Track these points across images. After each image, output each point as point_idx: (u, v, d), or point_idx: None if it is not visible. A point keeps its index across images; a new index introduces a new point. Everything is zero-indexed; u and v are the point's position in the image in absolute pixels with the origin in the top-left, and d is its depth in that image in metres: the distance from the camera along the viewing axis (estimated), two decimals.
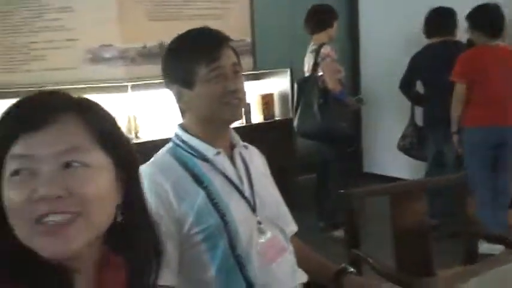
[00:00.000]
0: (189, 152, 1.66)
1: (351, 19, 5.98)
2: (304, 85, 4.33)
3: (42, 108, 0.88)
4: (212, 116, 1.63)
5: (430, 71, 4.17)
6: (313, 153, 4.67)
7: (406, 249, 2.30)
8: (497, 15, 3.79)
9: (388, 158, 5.58)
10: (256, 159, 1.81)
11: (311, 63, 4.32)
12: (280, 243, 1.70)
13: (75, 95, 0.96)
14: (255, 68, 5.26)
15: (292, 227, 1.85)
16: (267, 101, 5.05)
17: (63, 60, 4.59)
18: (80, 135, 0.89)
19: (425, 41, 4.31)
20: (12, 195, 0.84)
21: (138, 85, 4.50)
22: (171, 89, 1.68)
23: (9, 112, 0.89)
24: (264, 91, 5.15)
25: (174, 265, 1.53)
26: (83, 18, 4.56)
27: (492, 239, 2.73)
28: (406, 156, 4.73)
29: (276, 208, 1.76)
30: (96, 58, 4.64)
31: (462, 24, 4.06)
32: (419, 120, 4.54)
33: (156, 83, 4.56)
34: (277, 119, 5.13)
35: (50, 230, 0.83)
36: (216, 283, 1.58)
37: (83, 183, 0.86)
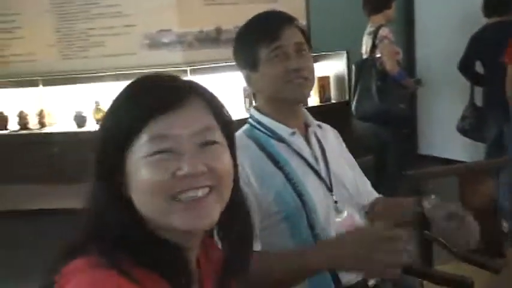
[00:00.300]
0: (264, 133, 1.67)
1: (407, 0, 5.89)
2: (362, 67, 4.30)
3: (176, 91, 0.92)
4: (277, 96, 1.64)
5: (489, 51, 4.07)
6: (370, 136, 4.64)
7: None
8: None
9: (444, 139, 5.50)
10: (331, 138, 1.82)
11: (369, 45, 4.28)
12: (357, 222, 1.71)
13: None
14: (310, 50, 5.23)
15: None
16: (323, 83, 5.04)
17: (121, 46, 4.68)
18: (208, 115, 0.94)
19: (483, 21, 4.21)
20: (152, 174, 0.87)
21: (196, 69, 4.54)
22: (242, 74, 1.70)
23: (137, 94, 0.92)
24: (320, 74, 5.13)
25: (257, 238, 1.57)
26: (140, 4, 4.65)
27: None
28: (462, 138, 4.64)
29: (352, 187, 1.76)
30: (154, 43, 4.71)
31: None
32: (478, 101, 4.45)
33: (214, 66, 4.63)
34: (333, 101, 5.12)
35: (189, 205, 0.88)
36: None
37: (218, 160, 0.92)
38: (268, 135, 1.67)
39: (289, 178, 1.60)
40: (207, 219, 0.90)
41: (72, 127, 4.83)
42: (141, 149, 0.88)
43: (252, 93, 1.76)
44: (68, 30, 4.70)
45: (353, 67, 4.44)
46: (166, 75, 0.98)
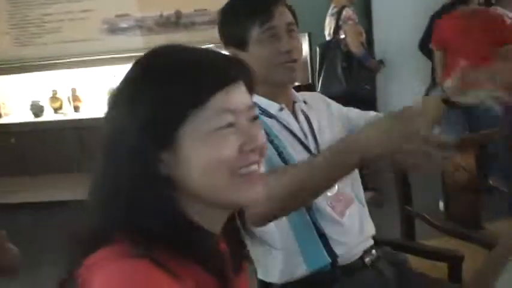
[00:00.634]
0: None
1: None
2: (326, 49, 4.29)
3: (233, 65, 0.89)
4: (267, 78, 1.60)
5: None
6: None
7: (456, 204, 2.30)
8: None
9: None
10: (320, 107, 1.78)
11: (332, 26, 4.27)
12: (347, 195, 1.69)
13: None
14: None
15: None
16: None
17: (79, 32, 4.55)
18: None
19: (441, 1, 4.26)
20: (220, 149, 0.84)
21: None
22: (227, 51, 1.65)
23: (195, 68, 0.86)
24: None
25: None
26: None
27: None
28: None
29: None
30: (112, 28, 4.60)
31: None
32: None
33: None
34: (296, 84, 5.08)
35: (249, 179, 0.87)
36: (290, 237, 1.58)
37: (263, 135, 0.92)
38: (258, 113, 1.62)
39: (278, 151, 1.58)
40: (263, 192, 0.90)
41: (29, 117, 4.66)
42: (204, 124, 0.83)
43: None
44: (22, 16, 4.52)
45: (317, 49, 4.42)
46: (215, 50, 0.94)
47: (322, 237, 1.60)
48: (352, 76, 4.14)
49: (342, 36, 4.20)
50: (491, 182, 3.79)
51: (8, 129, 4.55)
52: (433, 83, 4.57)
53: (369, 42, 5.80)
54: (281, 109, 1.65)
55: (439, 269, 1.83)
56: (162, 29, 4.70)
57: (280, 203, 1.33)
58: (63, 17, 4.53)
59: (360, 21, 5.67)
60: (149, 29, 4.67)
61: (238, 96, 0.87)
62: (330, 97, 1.82)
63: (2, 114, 4.79)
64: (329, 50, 4.27)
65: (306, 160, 1.45)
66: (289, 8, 1.63)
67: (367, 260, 1.68)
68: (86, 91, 4.67)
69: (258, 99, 1.64)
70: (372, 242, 1.72)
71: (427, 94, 4.56)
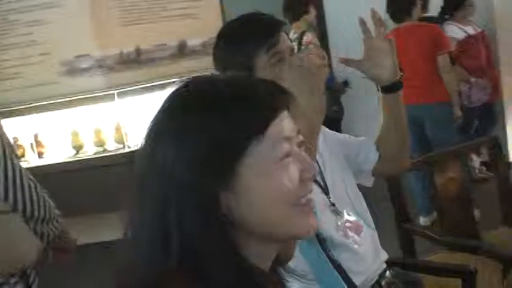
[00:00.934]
0: None
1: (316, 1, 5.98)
2: None
3: (281, 91, 0.85)
4: None
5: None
6: None
7: (451, 216, 2.32)
8: None
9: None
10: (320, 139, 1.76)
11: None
12: (355, 222, 1.67)
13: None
14: None
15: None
16: None
17: (39, 75, 4.43)
18: None
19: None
20: (284, 180, 0.80)
21: (123, 92, 4.39)
22: None
23: (252, 95, 0.82)
24: None
25: None
26: (55, 30, 4.41)
27: None
28: None
29: (345, 188, 1.72)
30: (72, 70, 4.50)
31: None
32: None
33: (141, 88, 4.50)
34: None
35: (308, 209, 0.83)
36: (307, 268, 1.54)
37: None
38: None
39: None
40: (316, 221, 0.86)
41: None
42: (264, 155, 0.79)
43: None
44: None
45: None
46: (247, 77, 0.93)
47: (338, 268, 1.57)
48: None
49: None
50: None
51: None
52: None
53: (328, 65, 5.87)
54: None
55: (451, 285, 1.83)
56: (123, 67, 4.63)
57: None
58: (22, 62, 4.40)
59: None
60: (110, 68, 4.60)
61: (288, 122, 0.83)
62: None
63: None
64: None
65: None
66: (286, 33, 1.63)
67: (383, 283, 1.66)
68: (49, 136, 4.54)
69: None
70: (385, 264, 1.70)
71: None
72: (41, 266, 1.68)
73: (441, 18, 4.43)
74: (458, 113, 3.94)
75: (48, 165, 4.34)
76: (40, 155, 4.50)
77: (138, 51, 4.70)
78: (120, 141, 4.41)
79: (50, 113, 4.45)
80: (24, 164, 4.39)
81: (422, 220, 3.90)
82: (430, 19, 4.18)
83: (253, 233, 0.81)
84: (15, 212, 1.55)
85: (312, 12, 4.44)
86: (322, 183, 1.65)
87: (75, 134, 4.46)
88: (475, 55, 4.33)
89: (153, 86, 4.55)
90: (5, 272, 1.56)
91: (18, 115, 4.37)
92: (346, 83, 4.63)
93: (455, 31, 4.32)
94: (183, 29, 4.93)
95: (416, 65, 3.72)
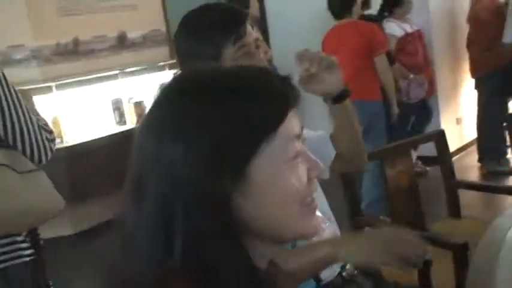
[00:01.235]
0: None
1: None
2: None
3: (291, 86, 0.79)
4: None
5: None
6: None
7: (400, 208, 2.38)
8: None
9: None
10: None
11: None
12: (319, 217, 1.68)
13: None
14: (171, 57, 5.13)
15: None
16: None
17: None
18: None
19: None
20: (296, 179, 0.77)
21: (61, 85, 4.24)
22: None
23: (263, 91, 0.77)
24: None
25: None
26: None
27: None
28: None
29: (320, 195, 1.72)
30: (6, 60, 4.28)
31: None
32: None
33: (79, 80, 4.37)
34: None
35: (312, 208, 0.80)
36: None
37: None
38: None
39: None
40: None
41: None
42: (277, 154, 0.75)
43: None
44: None
45: None
46: (258, 68, 0.85)
47: None
48: None
49: None
50: None
51: None
52: None
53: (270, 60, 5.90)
54: None
55: (408, 275, 1.87)
56: (60, 58, 4.47)
57: None
58: None
59: None
60: (46, 59, 4.42)
61: (297, 120, 0.79)
62: None
63: None
64: None
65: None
66: (251, 25, 1.61)
67: (344, 274, 1.68)
68: None
69: None
70: None
71: None
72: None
73: (380, 16, 4.54)
74: (395, 110, 4.05)
75: None
76: None
77: (76, 42, 4.55)
78: (58, 135, 4.26)
79: None
80: None
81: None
82: (369, 17, 4.26)
83: (259, 233, 0.78)
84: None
85: (255, 5, 4.43)
86: None
87: None
88: (413, 52, 4.46)
89: (92, 78, 4.44)
90: (37, 223, 1.77)
91: None
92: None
93: (394, 28, 4.43)
94: (123, 20, 4.82)
95: (351, 63, 3.76)
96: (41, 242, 1.80)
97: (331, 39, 3.99)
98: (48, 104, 4.20)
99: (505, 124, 4.74)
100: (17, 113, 1.66)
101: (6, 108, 1.64)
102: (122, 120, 4.66)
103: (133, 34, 4.90)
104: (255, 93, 0.76)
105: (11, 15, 4.24)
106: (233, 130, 0.73)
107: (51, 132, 1.80)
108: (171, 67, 5.06)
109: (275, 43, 5.86)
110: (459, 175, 2.88)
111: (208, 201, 0.72)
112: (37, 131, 1.70)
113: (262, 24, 5.98)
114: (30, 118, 1.69)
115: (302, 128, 0.82)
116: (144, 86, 4.86)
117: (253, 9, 4.38)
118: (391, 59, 4.15)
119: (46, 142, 1.73)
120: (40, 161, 1.72)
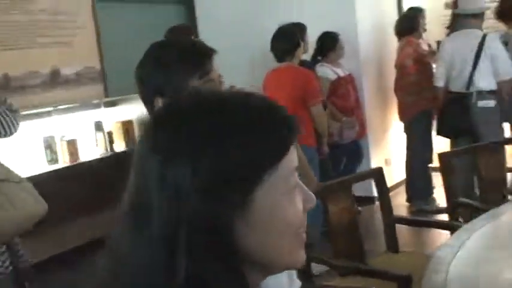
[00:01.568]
0: None
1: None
2: None
3: (295, 119, 0.82)
4: None
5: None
6: None
7: (341, 243, 2.43)
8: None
9: None
10: None
11: None
12: None
13: None
14: (106, 95, 5.07)
15: None
16: (127, 128, 4.90)
17: None
18: None
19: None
20: (295, 209, 0.78)
21: None
22: (151, 102, 1.59)
23: (272, 123, 0.78)
24: (123, 118, 5.00)
25: None
26: None
27: None
28: None
29: None
30: None
31: None
32: None
33: None
34: None
35: (304, 240, 0.81)
36: None
37: None
38: None
39: None
40: None
41: None
42: (278, 185, 0.76)
43: None
44: None
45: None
46: (261, 97, 0.85)
47: None
48: None
49: None
50: None
51: None
52: None
53: None
54: None
55: None
56: None
57: None
58: None
59: None
60: None
61: (295, 153, 0.81)
62: None
63: None
64: None
65: None
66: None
67: None
68: None
69: None
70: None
71: None
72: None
73: (314, 61, 4.70)
74: (326, 150, 4.19)
75: None
76: None
77: (6, 78, 4.42)
78: None
79: None
80: None
81: None
82: (303, 62, 4.39)
83: (253, 261, 0.78)
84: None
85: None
86: None
87: None
88: (345, 95, 4.63)
89: (23, 115, 4.30)
90: (26, 228, 2.00)
91: None
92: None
93: (327, 72, 4.60)
94: (57, 56, 4.74)
95: (288, 108, 3.82)
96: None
97: (270, 83, 4.11)
98: None
99: (430, 165, 5.00)
100: None
101: None
102: (53, 158, 4.52)
103: (66, 71, 4.82)
104: (265, 123, 0.77)
105: None
106: (242, 158, 0.73)
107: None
108: (106, 105, 5.01)
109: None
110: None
111: (212, 227, 0.72)
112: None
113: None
114: None
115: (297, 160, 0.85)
116: (78, 124, 4.78)
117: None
118: (324, 105, 4.28)
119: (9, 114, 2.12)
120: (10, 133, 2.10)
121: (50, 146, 4.52)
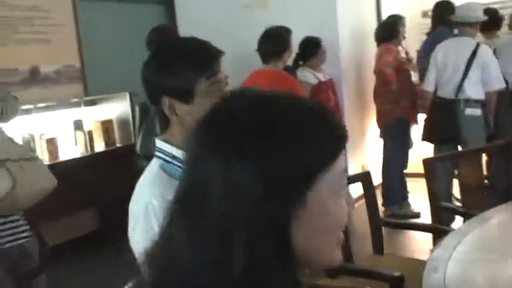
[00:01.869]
0: (180, 167, 1.60)
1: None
2: (146, 107, 4.24)
3: (343, 122, 0.86)
4: None
5: None
6: None
7: None
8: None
9: None
10: None
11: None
12: None
13: None
14: (85, 94, 5.03)
15: None
16: (106, 127, 4.86)
17: None
18: None
19: None
20: (343, 209, 0.81)
21: None
22: (159, 101, 1.60)
23: (328, 123, 0.81)
24: (103, 117, 4.96)
25: None
26: None
27: None
28: None
29: None
30: None
31: None
32: None
33: None
34: (118, 145, 4.96)
35: (342, 240, 0.84)
36: None
37: None
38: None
39: None
40: None
41: None
42: (329, 186, 0.78)
43: (166, 122, 1.64)
44: None
45: (137, 108, 4.37)
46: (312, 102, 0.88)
47: None
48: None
49: None
50: None
51: None
52: None
53: None
54: None
55: None
56: None
57: None
58: None
59: None
60: None
61: (343, 156, 0.84)
62: (150, 156, 1.81)
63: None
64: (148, 109, 4.24)
65: None
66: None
67: None
68: None
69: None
70: None
71: None
72: None
73: (296, 65, 4.75)
74: None
75: None
76: None
77: None
78: None
79: None
80: None
81: None
82: (285, 67, 4.42)
83: (300, 258, 0.80)
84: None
85: None
86: None
87: None
88: (326, 100, 4.68)
89: None
90: (32, 203, 2.28)
91: None
92: None
93: (308, 76, 4.65)
94: (36, 54, 4.69)
95: None
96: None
97: (248, 83, 4.09)
98: None
99: (405, 171, 5.10)
100: None
101: None
102: None
103: (46, 68, 4.77)
104: (324, 125, 0.80)
105: None
106: (303, 159, 0.76)
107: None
108: (86, 104, 4.97)
109: None
110: (365, 217, 3.03)
111: (271, 224, 0.74)
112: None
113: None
114: None
115: None
116: (57, 123, 4.73)
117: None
118: None
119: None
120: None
121: (29, 144, 4.46)
